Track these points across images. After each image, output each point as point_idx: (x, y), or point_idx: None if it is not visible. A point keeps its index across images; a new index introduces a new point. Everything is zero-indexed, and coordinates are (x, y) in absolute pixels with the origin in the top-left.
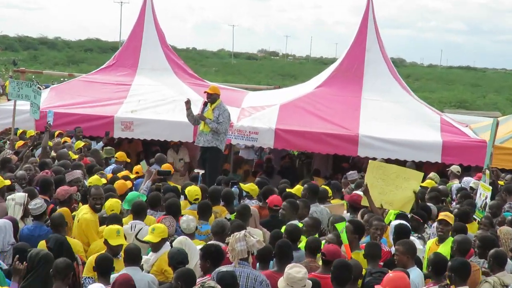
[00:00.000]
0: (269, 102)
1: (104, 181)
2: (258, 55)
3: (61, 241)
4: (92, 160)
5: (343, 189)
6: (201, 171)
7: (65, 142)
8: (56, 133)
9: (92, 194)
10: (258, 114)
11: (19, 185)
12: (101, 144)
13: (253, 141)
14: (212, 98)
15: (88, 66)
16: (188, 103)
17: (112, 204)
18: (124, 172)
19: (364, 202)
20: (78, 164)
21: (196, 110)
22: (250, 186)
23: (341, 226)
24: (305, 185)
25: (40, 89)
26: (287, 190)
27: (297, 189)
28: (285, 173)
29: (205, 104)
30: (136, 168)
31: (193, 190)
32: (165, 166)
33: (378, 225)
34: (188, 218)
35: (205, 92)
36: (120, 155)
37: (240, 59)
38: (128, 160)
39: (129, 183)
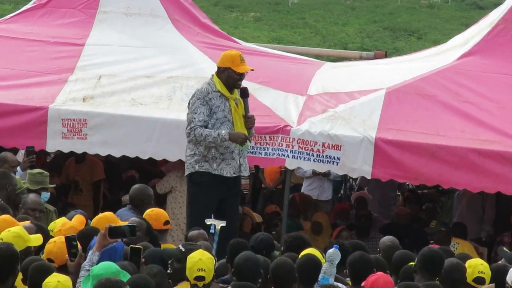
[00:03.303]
0: (364, 85)
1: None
2: None
3: None
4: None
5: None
6: (219, 223)
7: None
8: None
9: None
10: (341, 109)
11: None
12: (19, 171)
13: (331, 164)
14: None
15: None
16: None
17: (61, 285)
18: (76, 220)
19: None
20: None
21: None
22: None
23: None
24: (422, 251)
25: None
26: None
27: None
28: (396, 231)
29: (243, 95)
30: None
31: (196, 259)
32: (154, 215)
33: None
34: None
35: (245, 73)
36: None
37: None
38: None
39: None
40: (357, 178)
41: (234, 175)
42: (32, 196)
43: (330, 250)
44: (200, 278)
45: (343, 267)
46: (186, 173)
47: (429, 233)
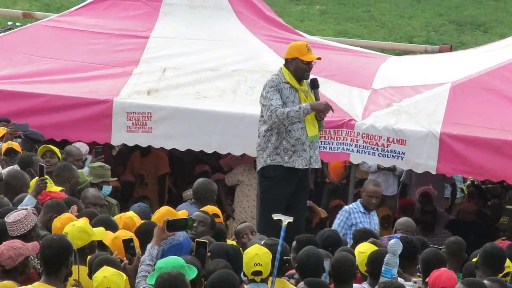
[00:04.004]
0: (429, 79)
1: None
2: None
3: None
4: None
5: None
6: (286, 219)
7: (8, 151)
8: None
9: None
10: (406, 103)
11: None
12: (86, 170)
13: (396, 159)
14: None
15: None
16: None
17: (107, 280)
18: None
19: None
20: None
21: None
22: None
23: None
24: (484, 247)
25: None
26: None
27: None
28: (461, 227)
29: (313, 86)
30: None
31: (253, 254)
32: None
33: None
34: None
35: (313, 61)
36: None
37: None
38: None
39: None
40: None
41: (306, 167)
42: (92, 190)
43: (392, 241)
44: (257, 273)
45: (412, 263)
46: (258, 167)
47: (502, 230)
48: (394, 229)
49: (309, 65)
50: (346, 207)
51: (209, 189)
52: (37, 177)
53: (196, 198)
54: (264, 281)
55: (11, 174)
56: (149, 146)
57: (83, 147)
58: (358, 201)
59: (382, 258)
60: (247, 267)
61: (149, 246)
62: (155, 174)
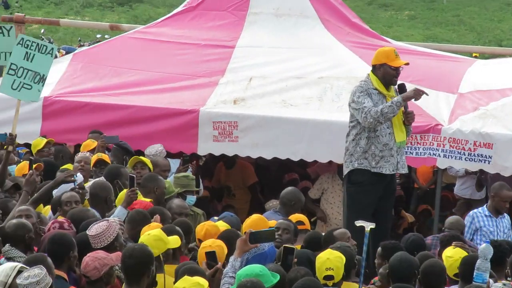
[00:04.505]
0: None
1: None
2: None
3: None
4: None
5: None
6: (369, 225)
7: (98, 162)
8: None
9: None
10: (493, 107)
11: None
12: (171, 178)
13: (483, 163)
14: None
15: (151, 8)
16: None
17: None
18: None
19: None
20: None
21: None
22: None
23: None
24: None
25: (57, 55)
26: None
27: None
28: None
29: (401, 90)
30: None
31: (324, 259)
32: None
33: None
34: None
35: (401, 66)
36: None
37: None
38: None
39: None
40: None
41: (393, 173)
42: (176, 201)
43: (482, 246)
44: (328, 278)
45: (500, 267)
46: (345, 172)
47: None
48: (443, 228)
49: (397, 70)
50: (470, 212)
51: (296, 197)
52: (126, 189)
53: (283, 203)
54: (337, 285)
55: (98, 185)
56: (234, 158)
57: (154, 148)
58: (485, 206)
59: (474, 263)
60: (319, 271)
61: (231, 258)
62: (243, 185)
